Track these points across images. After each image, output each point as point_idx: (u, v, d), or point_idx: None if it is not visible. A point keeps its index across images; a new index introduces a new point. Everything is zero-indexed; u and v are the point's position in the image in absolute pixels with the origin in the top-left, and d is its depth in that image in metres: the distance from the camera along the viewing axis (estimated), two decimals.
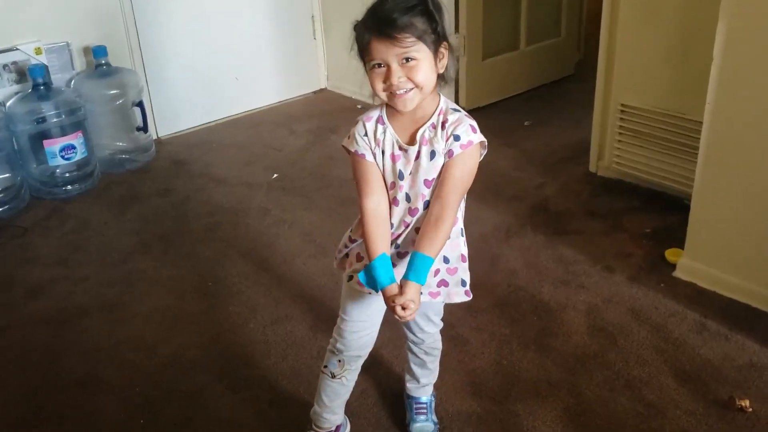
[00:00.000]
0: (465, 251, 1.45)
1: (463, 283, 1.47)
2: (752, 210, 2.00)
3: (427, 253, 1.30)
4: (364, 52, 1.26)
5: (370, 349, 1.56)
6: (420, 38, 1.23)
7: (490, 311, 2.11)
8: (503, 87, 3.72)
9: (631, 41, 2.56)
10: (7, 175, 2.81)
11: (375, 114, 1.36)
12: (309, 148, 3.29)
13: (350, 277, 1.46)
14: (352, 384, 1.60)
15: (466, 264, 1.46)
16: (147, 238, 2.63)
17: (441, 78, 1.32)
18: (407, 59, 1.23)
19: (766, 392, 1.77)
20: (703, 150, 2.06)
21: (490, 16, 3.52)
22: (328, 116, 3.57)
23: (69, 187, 2.93)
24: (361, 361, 1.57)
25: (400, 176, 1.34)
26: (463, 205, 1.42)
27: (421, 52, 1.24)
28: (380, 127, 1.35)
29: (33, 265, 2.49)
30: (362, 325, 1.50)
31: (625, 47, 2.59)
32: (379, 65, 1.25)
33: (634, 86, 2.61)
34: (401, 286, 1.30)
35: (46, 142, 2.84)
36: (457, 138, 1.30)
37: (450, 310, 2.08)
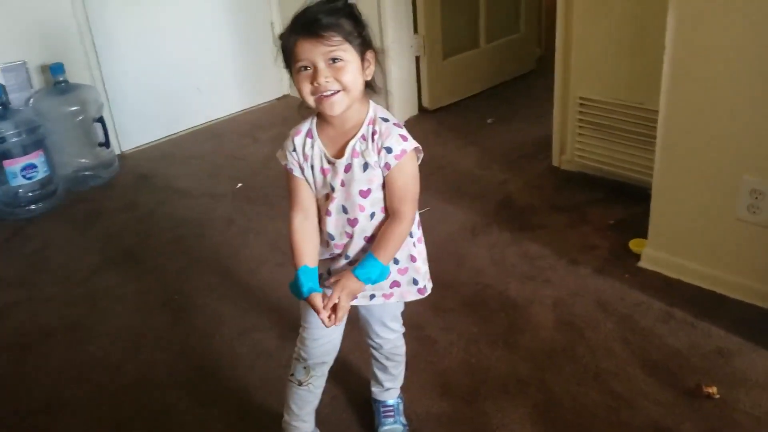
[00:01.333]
0: (415, 252, 1.45)
1: (415, 282, 1.47)
2: (711, 196, 2.02)
3: (378, 257, 1.34)
4: (290, 56, 1.26)
5: (334, 354, 1.56)
6: (346, 39, 1.24)
7: (458, 310, 2.11)
8: (465, 86, 3.73)
9: (586, 34, 2.58)
10: None
11: (305, 127, 1.37)
12: (273, 156, 3.21)
13: None
14: (319, 391, 1.59)
15: (417, 264, 1.46)
16: (112, 254, 2.60)
17: (369, 87, 1.32)
18: (334, 59, 1.23)
19: (732, 378, 1.78)
20: (661, 139, 2.08)
21: (449, 15, 3.53)
22: (292, 123, 3.39)
23: (32, 206, 2.88)
24: (327, 368, 1.57)
25: (332, 189, 1.35)
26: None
27: (347, 53, 1.24)
28: (308, 141, 1.35)
29: None
30: (322, 332, 1.49)
31: (581, 41, 2.60)
32: (306, 67, 1.25)
33: (591, 79, 2.63)
34: (341, 276, 1.35)
35: (6, 162, 2.79)
36: (389, 150, 1.30)
37: (418, 311, 2.09)
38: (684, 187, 2.08)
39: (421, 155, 1.37)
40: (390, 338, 1.60)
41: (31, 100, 2.98)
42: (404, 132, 1.33)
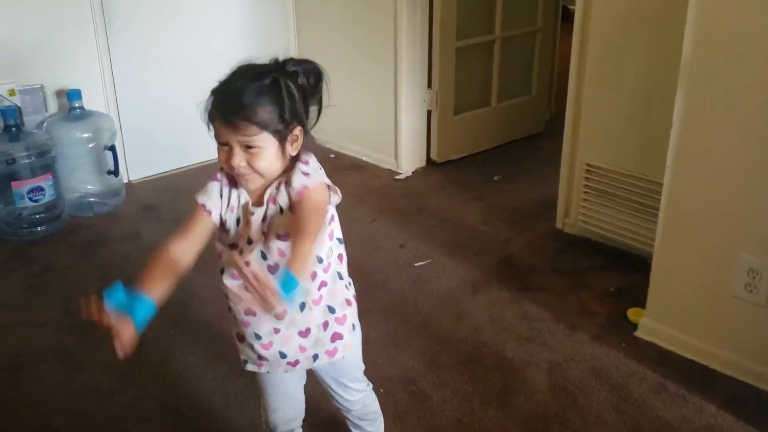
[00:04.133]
0: (349, 295, 1.43)
1: (354, 327, 1.45)
2: (709, 272, 2.04)
3: (289, 266, 1.16)
4: (211, 126, 1.25)
5: (301, 418, 1.57)
6: (263, 128, 1.21)
7: (454, 367, 2.11)
8: (474, 142, 3.78)
9: (596, 103, 2.63)
10: None
11: (222, 174, 1.34)
12: None
13: (245, 362, 1.45)
14: None
15: (353, 307, 1.44)
16: (111, 283, 2.59)
17: (296, 157, 1.29)
18: (249, 147, 1.22)
19: None
20: (663, 212, 2.10)
21: (463, 73, 3.60)
22: None
23: (36, 228, 2.90)
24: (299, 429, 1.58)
25: (249, 241, 1.31)
26: (343, 250, 1.40)
27: (265, 141, 1.22)
28: (234, 191, 1.32)
29: None
30: (281, 402, 1.50)
31: (590, 109, 2.65)
32: (223, 144, 1.24)
33: (599, 147, 2.67)
34: None
35: (14, 184, 2.82)
36: (292, 187, 1.27)
37: (412, 363, 2.10)
38: (683, 260, 2.09)
39: (337, 197, 1.33)
40: (355, 399, 1.55)
41: (45, 124, 3.02)
42: (308, 169, 1.29)
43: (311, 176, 1.28)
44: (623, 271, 2.59)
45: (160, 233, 2.94)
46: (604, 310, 2.37)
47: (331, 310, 1.39)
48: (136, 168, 3.45)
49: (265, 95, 1.21)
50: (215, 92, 1.25)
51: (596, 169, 2.69)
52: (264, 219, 1.30)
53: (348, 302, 1.42)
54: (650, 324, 2.21)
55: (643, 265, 2.36)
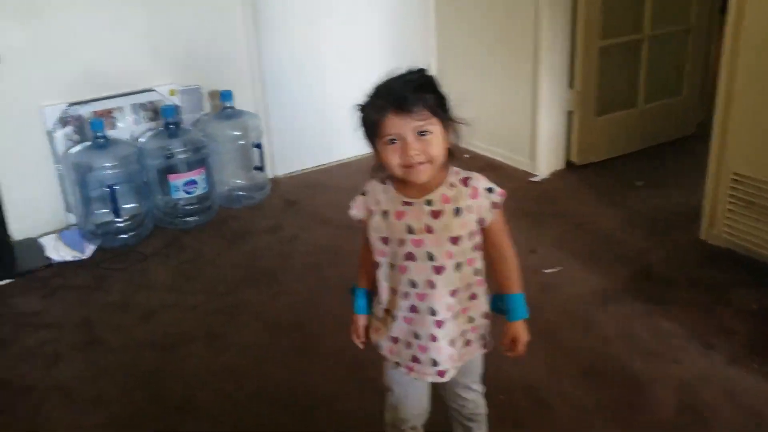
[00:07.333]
0: (486, 308, 1.48)
1: (483, 337, 1.49)
2: None
3: (516, 291, 1.44)
4: (376, 130, 1.30)
5: (428, 413, 1.61)
6: (433, 113, 1.29)
7: (577, 378, 2.07)
8: (617, 144, 3.66)
9: (748, 108, 2.47)
10: (136, 204, 3.06)
11: (376, 180, 1.42)
12: None
13: (386, 358, 1.53)
14: None
15: (488, 320, 1.49)
16: (253, 272, 2.78)
17: (450, 153, 1.36)
18: (422, 133, 1.28)
19: None
20: None
21: (608, 72, 3.49)
22: None
23: (189, 219, 3.14)
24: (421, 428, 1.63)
25: (410, 231, 1.36)
26: (483, 265, 1.45)
27: (434, 126, 1.29)
28: (380, 186, 1.40)
29: (148, 290, 2.69)
30: (414, 398, 1.55)
31: (741, 114, 2.49)
32: (393, 140, 1.29)
33: (749, 155, 2.50)
34: (509, 329, 1.44)
35: (171, 177, 3.08)
36: (491, 190, 1.37)
37: (534, 371, 2.08)
38: None
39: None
40: (472, 398, 1.61)
41: (200, 122, 3.27)
42: (484, 179, 1.39)
43: (495, 189, 1.37)
44: None
45: (299, 226, 3.12)
46: (744, 330, 2.23)
47: (471, 320, 1.45)
48: (281, 164, 3.65)
49: (428, 86, 1.31)
50: (380, 91, 1.31)
51: (745, 178, 2.52)
52: (435, 217, 1.35)
53: (486, 316, 1.48)
54: None
55: None
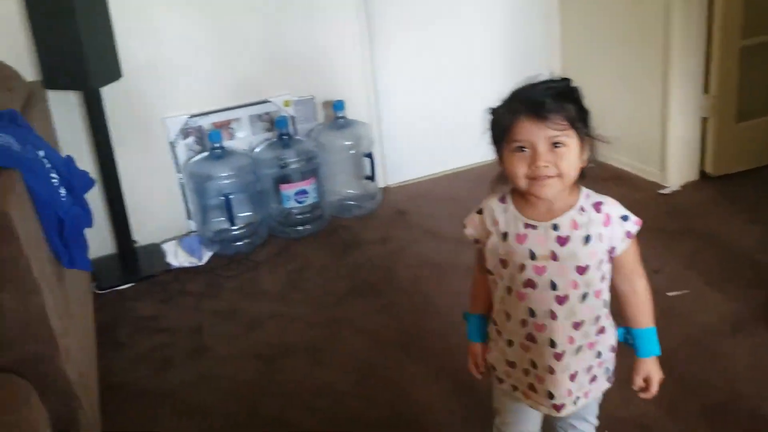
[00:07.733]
0: (615, 341, 1.36)
1: (607, 371, 1.37)
2: None
3: (648, 325, 1.33)
4: (505, 134, 1.20)
5: None
6: (571, 124, 1.18)
7: (698, 417, 1.87)
8: (761, 153, 3.32)
9: None
10: (250, 213, 3.13)
11: (496, 197, 1.32)
12: None
13: (500, 380, 1.42)
14: None
15: (614, 353, 1.37)
16: (359, 284, 2.75)
17: (582, 174, 1.24)
18: (556, 144, 1.17)
19: None
20: None
21: (749, 75, 3.17)
22: None
23: (300, 227, 3.17)
24: None
25: (532, 257, 1.25)
26: (609, 296, 1.32)
27: (570, 138, 1.19)
28: (500, 205, 1.30)
29: (256, 298, 2.72)
30: (526, 423, 1.44)
31: None
32: (522, 148, 1.19)
33: None
34: (641, 367, 1.33)
35: (282, 186, 3.12)
36: (626, 218, 1.25)
37: (650, 408, 1.90)
38: None
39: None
40: (584, 430, 1.49)
41: (313, 132, 3.29)
42: (619, 205, 1.29)
43: (630, 218, 1.27)
44: None
45: (408, 238, 3.06)
46: None
47: (599, 355, 1.34)
48: (392, 173, 3.61)
49: (570, 95, 1.21)
50: (516, 94, 1.24)
51: None
52: (562, 244, 1.24)
53: (612, 348, 1.37)
54: None
55: None
